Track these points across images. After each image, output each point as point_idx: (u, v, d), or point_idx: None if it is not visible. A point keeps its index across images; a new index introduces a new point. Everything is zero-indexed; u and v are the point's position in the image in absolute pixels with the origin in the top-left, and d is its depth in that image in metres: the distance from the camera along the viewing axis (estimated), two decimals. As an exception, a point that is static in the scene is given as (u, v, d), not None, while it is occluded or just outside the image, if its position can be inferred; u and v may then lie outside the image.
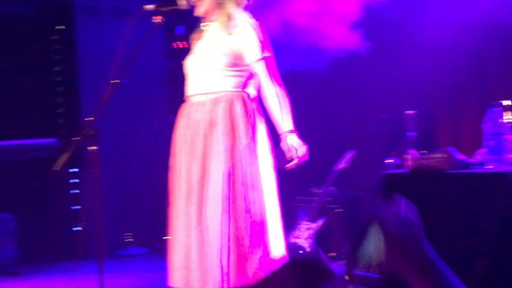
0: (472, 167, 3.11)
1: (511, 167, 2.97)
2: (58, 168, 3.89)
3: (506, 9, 5.25)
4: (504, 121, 3.18)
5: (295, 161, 3.78)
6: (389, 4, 5.76)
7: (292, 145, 3.79)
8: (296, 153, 3.78)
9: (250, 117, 3.92)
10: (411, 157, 3.21)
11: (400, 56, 6.02)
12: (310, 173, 6.57)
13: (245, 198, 3.85)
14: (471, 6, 5.39)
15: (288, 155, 3.80)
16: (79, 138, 3.82)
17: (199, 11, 4.05)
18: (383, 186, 3.27)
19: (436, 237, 3.08)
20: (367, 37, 5.98)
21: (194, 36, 4.20)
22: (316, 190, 6.24)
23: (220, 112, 3.87)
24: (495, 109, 3.07)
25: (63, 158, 3.81)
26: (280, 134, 3.84)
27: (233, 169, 3.83)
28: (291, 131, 3.82)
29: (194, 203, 3.89)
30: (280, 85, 3.89)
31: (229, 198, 3.81)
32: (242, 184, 3.85)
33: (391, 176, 3.29)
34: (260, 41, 3.91)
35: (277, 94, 3.87)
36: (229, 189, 3.83)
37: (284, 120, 3.84)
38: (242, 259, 3.81)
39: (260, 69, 3.90)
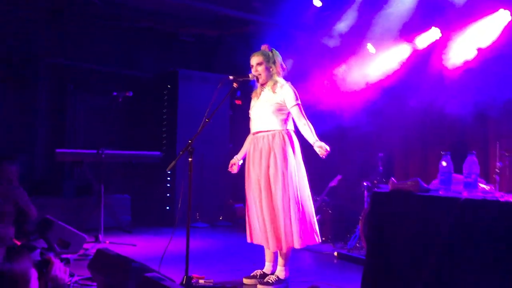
0: (431, 192, 2.95)
1: (457, 194, 2.81)
2: (168, 170, 3.80)
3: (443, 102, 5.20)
4: (445, 165, 3.02)
5: (324, 151, 3.68)
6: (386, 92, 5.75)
7: (321, 145, 3.70)
8: (325, 147, 3.68)
9: (292, 145, 3.88)
10: (392, 182, 3.05)
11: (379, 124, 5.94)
12: (313, 187, 6.45)
13: (294, 195, 3.81)
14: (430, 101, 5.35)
15: (320, 151, 3.70)
16: (183, 153, 3.73)
17: (261, 80, 4.01)
18: (372, 198, 3.11)
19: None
20: (367, 108, 5.87)
21: (253, 94, 4.14)
22: (316, 198, 6.11)
23: (277, 143, 3.83)
24: (448, 156, 2.93)
25: (172, 164, 3.72)
26: (312, 144, 3.78)
27: (286, 178, 3.80)
28: (316, 140, 3.75)
29: (264, 197, 3.84)
30: (305, 119, 3.87)
31: (287, 196, 3.78)
32: (293, 185, 3.80)
33: (378, 193, 3.13)
34: (294, 94, 3.90)
35: (304, 124, 3.86)
36: (285, 190, 3.76)
37: (312, 136, 3.81)
38: (296, 232, 3.77)
39: (294, 111, 3.89)
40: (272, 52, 4.04)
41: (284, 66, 4.10)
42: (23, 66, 6.78)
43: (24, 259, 1.77)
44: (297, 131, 4.03)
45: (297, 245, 3.76)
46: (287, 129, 3.92)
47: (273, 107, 3.90)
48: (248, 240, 4.03)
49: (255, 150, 3.94)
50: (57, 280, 1.92)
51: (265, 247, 3.96)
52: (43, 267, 1.93)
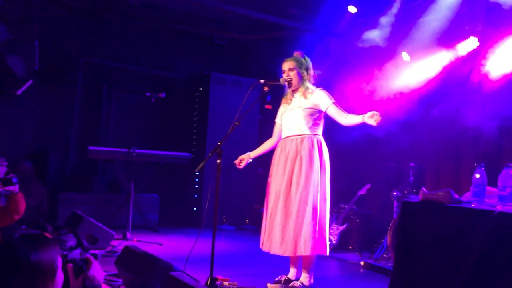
0: (463, 203, 2.87)
1: (490, 207, 2.73)
2: (197, 170, 3.82)
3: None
4: (479, 177, 2.94)
5: (378, 117, 3.51)
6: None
7: (371, 114, 3.54)
8: (375, 113, 3.52)
9: (320, 150, 3.84)
10: (422, 192, 2.99)
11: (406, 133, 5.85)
12: (341, 194, 6.40)
13: (313, 200, 3.74)
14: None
15: (374, 119, 3.51)
16: (212, 154, 3.76)
17: (291, 85, 4.00)
18: (402, 208, 3.05)
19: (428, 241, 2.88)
20: (400, 116, 5.75)
21: (283, 100, 4.13)
22: (344, 206, 6.04)
23: (305, 147, 3.81)
24: (482, 168, 2.85)
25: (201, 165, 3.74)
26: (362, 120, 3.63)
27: (309, 182, 3.75)
28: (363, 115, 3.61)
29: (281, 200, 3.80)
30: (345, 112, 3.83)
31: (305, 200, 3.73)
32: (314, 190, 3.75)
33: (408, 203, 3.07)
34: (327, 95, 3.90)
35: (346, 116, 3.79)
36: (306, 194, 3.73)
37: (357, 117, 3.69)
38: (307, 238, 3.70)
39: (332, 110, 3.86)
40: (304, 59, 4.03)
41: (314, 73, 4.09)
42: (62, 64, 6.95)
43: (51, 249, 1.78)
44: (326, 137, 4.00)
45: (307, 252, 3.71)
46: (316, 134, 3.90)
47: (304, 112, 3.89)
48: (260, 246, 3.96)
49: (282, 153, 3.93)
50: (94, 280, 1.96)
51: (273, 252, 3.83)
52: (83, 266, 1.97)
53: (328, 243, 3.82)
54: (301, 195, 3.74)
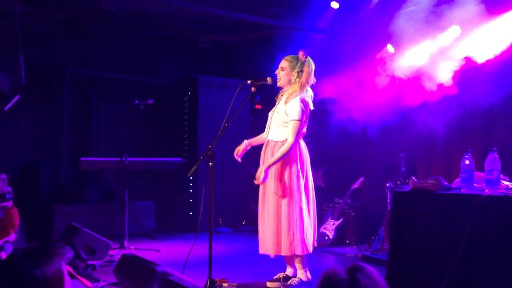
0: (452, 190, 2.93)
1: (479, 192, 2.79)
2: (190, 174, 3.87)
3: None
4: (467, 163, 3.01)
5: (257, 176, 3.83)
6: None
7: (260, 169, 3.82)
8: (259, 175, 3.80)
9: (295, 155, 3.88)
10: (412, 181, 3.04)
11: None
12: (335, 189, 6.46)
13: (289, 203, 3.84)
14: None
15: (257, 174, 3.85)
16: (203, 158, 3.80)
17: (279, 84, 4.05)
18: (393, 198, 3.11)
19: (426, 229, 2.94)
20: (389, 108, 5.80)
21: (277, 98, 4.15)
22: (339, 200, 6.10)
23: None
24: (469, 154, 2.91)
25: (194, 169, 3.79)
26: (262, 164, 3.93)
27: (283, 186, 3.86)
28: (265, 165, 3.85)
29: (261, 202, 3.97)
30: (292, 137, 3.82)
31: (279, 203, 3.85)
32: (289, 193, 3.84)
33: (398, 193, 3.12)
34: (299, 109, 3.84)
35: (288, 143, 3.81)
36: (279, 197, 3.84)
37: (273, 158, 3.84)
38: (285, 239, 3.81)
39: (290, 126, 3.85)
40: (305, 60, 3.92)
41: (314, 79, 3.99)
42: (47, 77, 6.95)
43: (54, 259, 1.78)
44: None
45: (287, 252, 3.80)
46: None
47: (281, 120, 3.92)
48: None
49: (263, 155, 4.03)
50: None
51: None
52: None
53: (309, 242, 3.87)
54: (274, 199, 3.85)
